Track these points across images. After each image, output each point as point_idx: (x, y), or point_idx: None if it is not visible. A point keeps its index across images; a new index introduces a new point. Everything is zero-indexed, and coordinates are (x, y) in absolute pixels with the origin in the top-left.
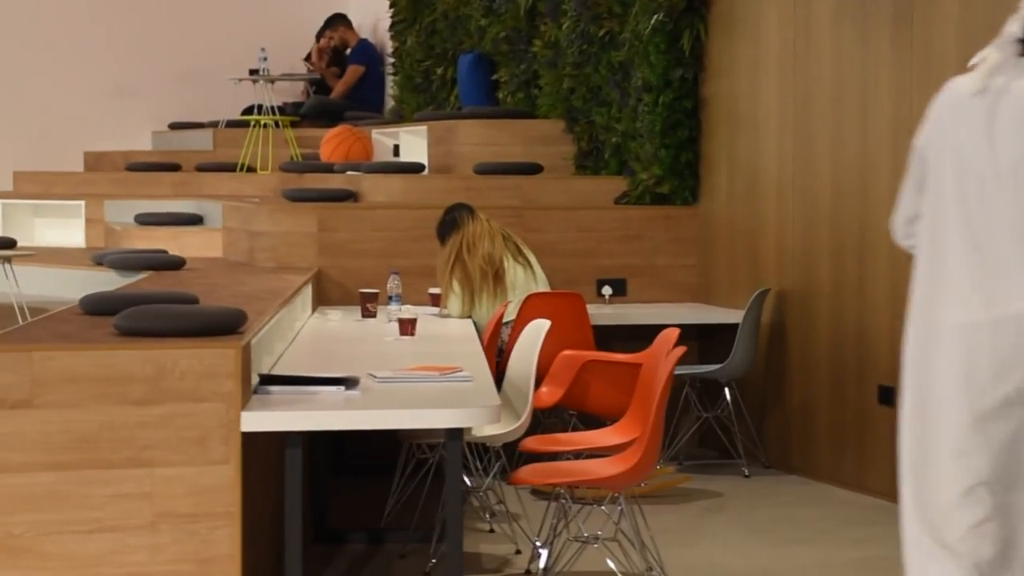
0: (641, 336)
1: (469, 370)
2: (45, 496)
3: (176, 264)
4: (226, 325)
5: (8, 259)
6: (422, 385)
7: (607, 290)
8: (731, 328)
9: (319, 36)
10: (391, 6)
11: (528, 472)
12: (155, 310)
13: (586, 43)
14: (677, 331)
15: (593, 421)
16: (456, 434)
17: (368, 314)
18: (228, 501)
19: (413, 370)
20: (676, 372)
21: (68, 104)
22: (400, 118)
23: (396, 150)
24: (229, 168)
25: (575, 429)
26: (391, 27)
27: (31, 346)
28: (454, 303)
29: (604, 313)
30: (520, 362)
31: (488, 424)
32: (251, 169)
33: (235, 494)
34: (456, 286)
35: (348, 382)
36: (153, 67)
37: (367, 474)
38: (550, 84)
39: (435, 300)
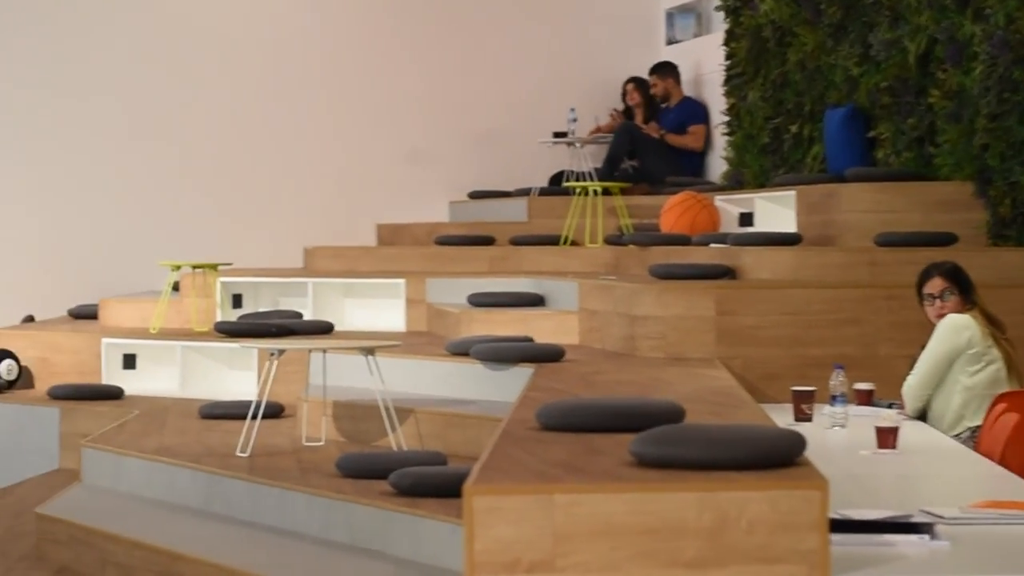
0: None
1: None
2: None
3: (554, 355)
4: (784, 453)
5: (371, 351)
6: (1016, 530)
7: None
8: None
9: (625, 92)
10: (727, 58)
11: None
12: (691, 432)
13: (1008, 91)
14: None
15: None
16: None
17: (803, 417)
18: None
19: (983, 507)
20: None
21: (358, 173)
22: (739, 184)
23: (745, 219)
24: (548, 241)
25: None
26: (726, 82)
27: (551, 486)
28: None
29: None
30: None
31: None
32: (574, 242)
33: None
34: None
35: (924, 527)
36: (450, 131)
37: None
38: (954, 141)
39: (862, 397)
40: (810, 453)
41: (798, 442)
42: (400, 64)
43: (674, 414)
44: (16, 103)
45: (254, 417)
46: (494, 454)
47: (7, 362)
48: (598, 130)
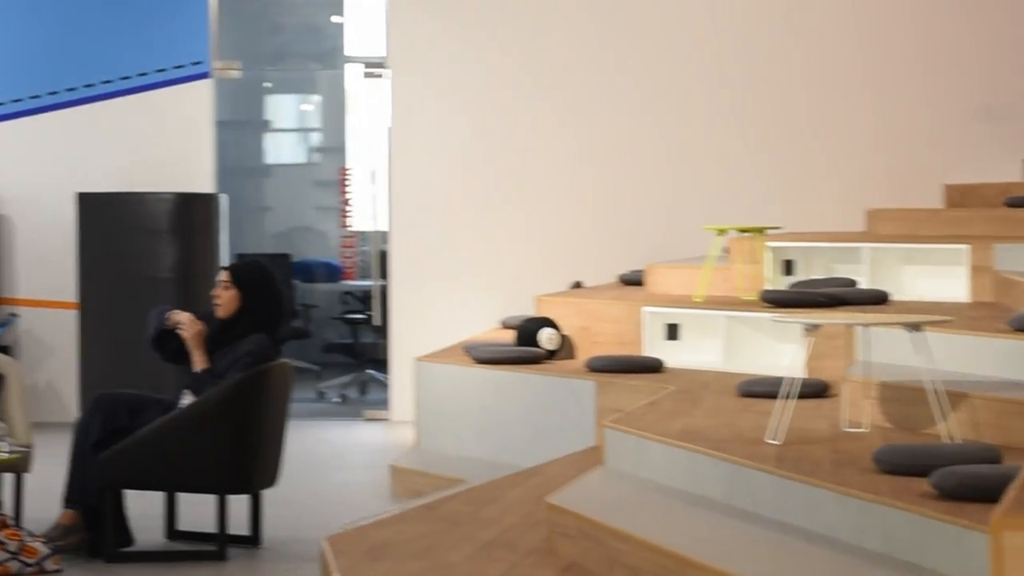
0: None
1: None
2: None
3: None
4: None
5: (918, 326)
6: None
7: None
8: None
9: None
10: None
11: None
12: None
13: None
14: None
15: None
16: None
17: None
18: None
19: None
20: None
21: (926, 130)
22: None
23: None
24: None
25: None
26: None
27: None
28: None
29: None
30: None
31: None
32: None
33: None
34: None
35: None
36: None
37: None
38: None
39: None
40: None
41: None
42: (969, 12)
43: None
44: (572, 79)
45: (787, 397)
46: None
47: (547, 331)
48: None
